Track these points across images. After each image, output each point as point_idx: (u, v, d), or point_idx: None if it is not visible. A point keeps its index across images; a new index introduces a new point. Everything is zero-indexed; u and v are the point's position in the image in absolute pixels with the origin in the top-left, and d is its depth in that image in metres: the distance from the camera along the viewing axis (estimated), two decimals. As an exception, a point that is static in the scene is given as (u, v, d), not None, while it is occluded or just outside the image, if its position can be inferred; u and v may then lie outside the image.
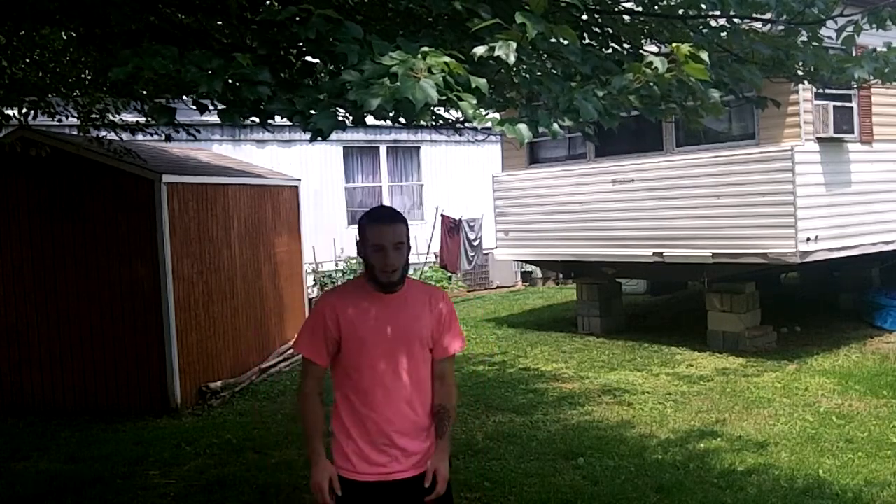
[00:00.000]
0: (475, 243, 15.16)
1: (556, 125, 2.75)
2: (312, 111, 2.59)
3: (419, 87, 2.25)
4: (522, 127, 2.58)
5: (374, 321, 2.79)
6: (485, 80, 2.48)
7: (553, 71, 3.35)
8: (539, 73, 3.22)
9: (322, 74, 3.26)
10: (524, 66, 3.25)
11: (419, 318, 2.87)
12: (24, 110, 6.76)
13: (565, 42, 2.81)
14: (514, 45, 2.46)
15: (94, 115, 7.15)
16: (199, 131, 7.44)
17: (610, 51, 4.16)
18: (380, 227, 2.74)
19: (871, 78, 4.09)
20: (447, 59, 2.36)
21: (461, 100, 2.42)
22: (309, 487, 2.84)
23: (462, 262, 14.98)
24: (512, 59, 2.45)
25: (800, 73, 4.42)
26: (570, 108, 2.76)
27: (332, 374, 2.91)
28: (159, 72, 2.44)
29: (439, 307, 2.92)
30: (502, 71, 3.16)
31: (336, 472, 2.81)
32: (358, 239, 2.83)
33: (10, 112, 7.02)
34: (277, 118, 3.07)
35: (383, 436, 2.82)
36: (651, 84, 2.81)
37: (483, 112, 2.59)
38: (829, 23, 4.12)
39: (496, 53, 2.45)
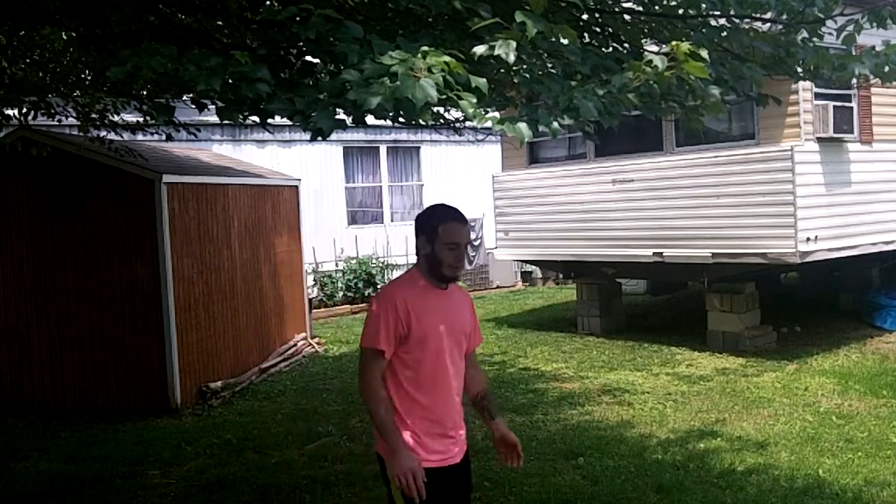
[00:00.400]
0: (476, 243, 15.17)
1: (555, 124, 2.76)
2: (312, 111, 2.59)
3: (419, 86, 2.25)
4: (522, 126, 2.58)
5: (435, 317, 2.96)
6: (484, 80, 2.48)
7: (553, 70, 3.35)
8: (539, 73, 3.22)
9: (322, 74, 3.26)
10: (524, 66, 3.25)
11: (464, 313, 3.11)
12: (24, 110, 6.76)
13: (565, 41, 2.81)
14: (513, 44, 2.46)
15: (93, 116, 7.15)
16: (199, 131, 7.44)
17: (610, 50, 4.15)
18: (458, 227, 2.94)
19: (872, 76, 4.08)
20: (447, 58, 2.36)
21: (461, 99, 2.42)
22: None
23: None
24: (512, 58, 2.45)
25: (800, 70, 4.41)
26: (569, 106, 2.76)
27: (392, 366, 2.95)
28: (158, 71, 2.44)
29: (469, 303, 3.19)
30: (502, 70, 3.15)
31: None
32: (424, 235, 2.95)
33: (10, 112, 7.02)
34: (277, 118, 3.07)
35: (441, 425, 3.00)
36: (651, 82, 2.81)
37: (483, 111, 2.60)
38: (830, 23, 4.12)
39: (496, 52, 2.45)
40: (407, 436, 2.92)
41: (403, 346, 2.90)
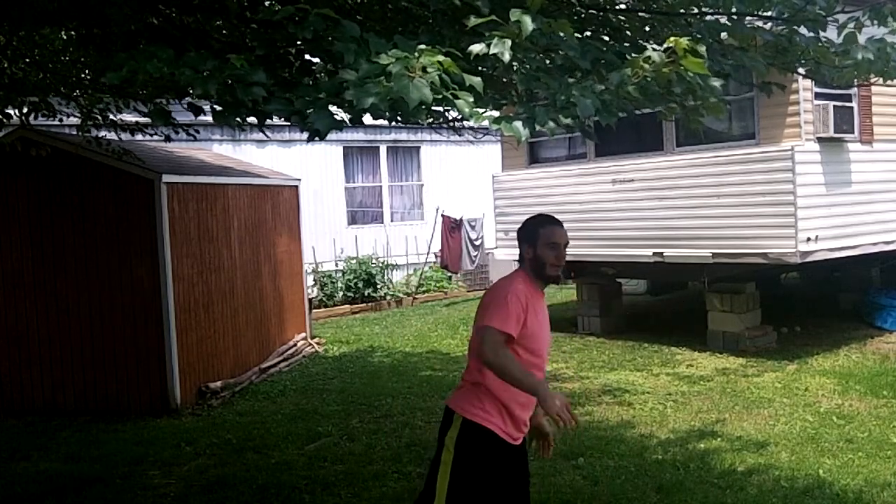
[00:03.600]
0: (477, 243, 15.15)
1: (552, 123, 2.76)
2: (310, 111, 2.58)
3: (413, 86, 2.25)
4: (518, 124, 2.58)
5: (541, 316, 3.26)
6: (479, 79, 2.48)
7: (551, 66, 3.34)
8: (536, 70, 3.21)
9: (321, 74, 3.25)
10: (522, 63, 3.24)
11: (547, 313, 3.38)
12: (25, 110, 6.74)
13: (563, 36, 2.80)
14: (509, 42, 2.45)
15: (94, 115, 7.13)
16: (198, 132, 7.43)
17: (610, 45, 4.14)
18: (556, 229, 3.22)
19: (874, 59, 4.05)
20: (442, 57, 2.36)
21: (457, 98, 2.42)
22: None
23: (465, 261, 14.97)
24: (507, 57, 2.45)
25: (802, 62, 4.39)
26: (567, 104, 2.76)
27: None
28: (154, 75, 2.43)
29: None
30: (499, 67, 3.15)
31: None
32: (527, 242, 3.23)
33: (10, 112, 7.01)
34: (276, 118, 3.07)
35: (529, 410, 3.27)
36: (649, 78, 2.80)
37: (480, 111, 2.59)
38: (830, 23, 4.11)
39: (492, 51, 2.44)
40: (504, 413, 3.15)
41: (519, 336, 3.12)
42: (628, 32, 4.34)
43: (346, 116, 2.74)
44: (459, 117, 5.42)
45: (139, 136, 7.71)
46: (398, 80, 2.26)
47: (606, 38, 4.19)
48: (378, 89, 2.29)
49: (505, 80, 3.92)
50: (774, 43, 4.07)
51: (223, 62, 2.56)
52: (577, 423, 2.93)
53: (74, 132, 7.92)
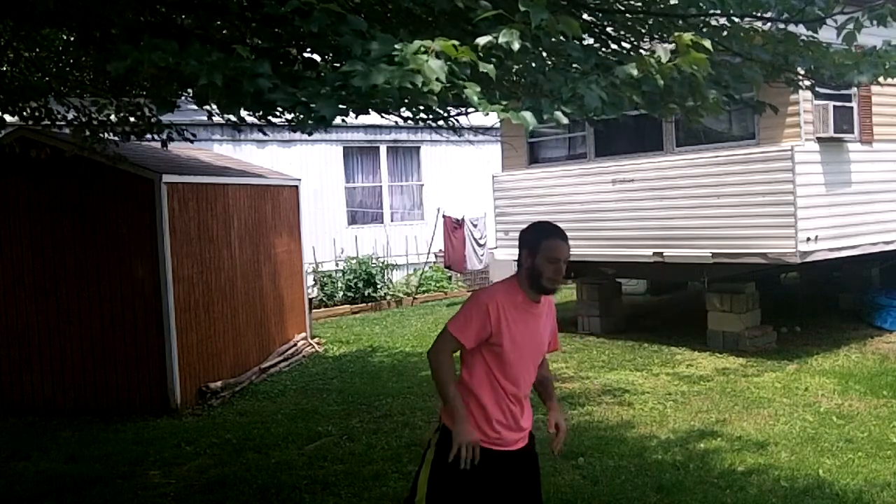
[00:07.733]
0: (482, 242, 15.15)
1: (559, 113, 2.75)
2: (315, 102, 2.57)
3: (428, 66, 2.25)
4: (527, 114, 2.58)
5: (523, 332, 3.17)
6: (492, 66, 2.47)
7: (554, 66, 3.34)
8: (541, 67, 3.21)
9: (323, 74, 3.25)
10: (528, 59, 3.24)
11: (547, 325, 3.33)
12: (26, 113, 6.73)
13: (567, 37, 2.80)
14: (517, 32, 2.45)
15: (94, 119, 7.11)
16: (194, 136, 7.41)
17: (610, 50, 4.15)
18: (560, 243, 3.13)
19: (872, 82, 4.08)
20: (456, 42, 2.35)
21: (466, 88, 2.42)
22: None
23: (471, 261, 14.95)
24: (516, 46, 2.45)
25: (800, 73, 4.40)
26: (573, 96, 2.76)
27: (473, 355, 3.18)
28: (159, 65, 2.42)
29: (553, 312, 3.39)
30: (506, 62, 3.14)
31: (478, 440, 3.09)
32: (527, 248, 3.16)
33: (10, 115, 7.00)
34: (276, 120, 3.06)
35: (513, 418, 3.22)
36: (653, 74, 2.80)
37: (488, 101, 2.58)
38: (830, 22, 4.11)
39: (501, 41, 2.44)
40: (483, 421, 3.14)
41: (498, 345, 3.11)
42: (629, 35, 4.33)
43: (350, 106, 2.72)
44: (464, 111, 5.39)
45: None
46: (413, 60, 2.25)
47: (606, 43, 4.19)
48: (390, 68, 2.27)
49: (509, 78, 3.92)
50: (772, 62, 4.08)
51: (228, 54, 2.55)
52: (470, 461, 3.00)
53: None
